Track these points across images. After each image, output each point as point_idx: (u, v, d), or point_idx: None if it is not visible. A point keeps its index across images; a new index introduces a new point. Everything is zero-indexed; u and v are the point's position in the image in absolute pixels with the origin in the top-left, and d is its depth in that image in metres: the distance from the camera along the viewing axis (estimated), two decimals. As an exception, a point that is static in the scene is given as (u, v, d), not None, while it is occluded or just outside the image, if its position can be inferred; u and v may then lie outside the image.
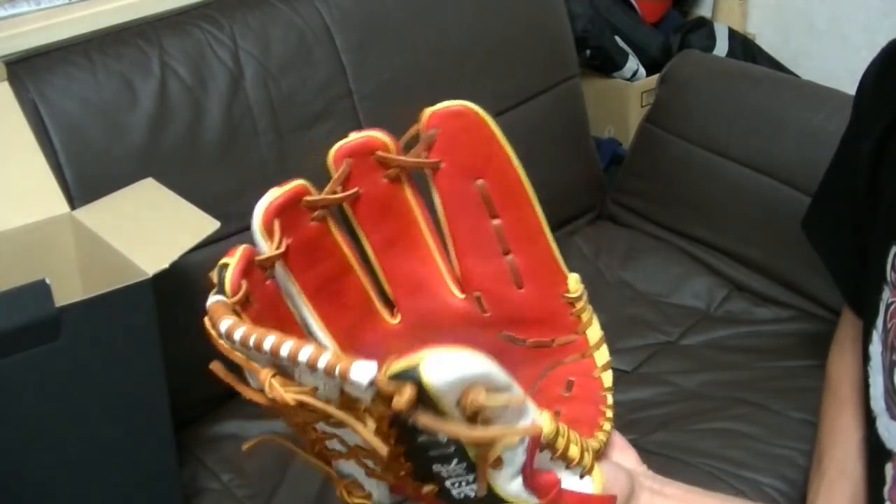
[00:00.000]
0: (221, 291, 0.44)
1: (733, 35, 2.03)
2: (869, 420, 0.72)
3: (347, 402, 0.40)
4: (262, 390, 0.41)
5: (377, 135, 0.50)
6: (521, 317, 0.55)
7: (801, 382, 1.06)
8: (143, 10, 1.09)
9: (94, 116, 1.01)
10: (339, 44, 1.15)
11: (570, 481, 0.48)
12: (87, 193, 0.96)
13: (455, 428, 0.39)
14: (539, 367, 0.57)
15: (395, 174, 0.51)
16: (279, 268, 0.49)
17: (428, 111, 0.50)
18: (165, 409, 0.87)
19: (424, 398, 0.37)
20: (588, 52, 1.89)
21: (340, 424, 0.42)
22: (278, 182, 0.51)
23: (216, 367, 0.43)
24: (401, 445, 0.41)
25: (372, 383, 0.37)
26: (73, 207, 0.92)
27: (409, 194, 0.53)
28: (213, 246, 0.91)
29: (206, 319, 0.42)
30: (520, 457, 0.44)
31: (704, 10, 2.24)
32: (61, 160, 0.99)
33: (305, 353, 0.38)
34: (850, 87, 1.27)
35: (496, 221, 0.52)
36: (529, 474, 0.45)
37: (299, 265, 0.50)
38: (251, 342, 0.39)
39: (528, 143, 1.38)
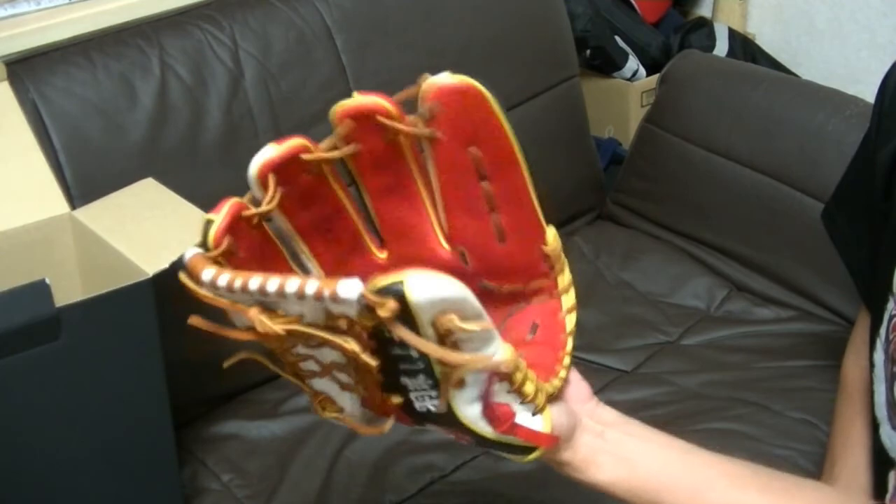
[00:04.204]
0: (204, 245, 0.47)
1: (733, 35, 2.04)
2: (874, 426, 0.72)
3: (330, 324, 0.44)
4: (249, 328, 0.44)
5: (379, 101, 0.51)
6: (500, 267, 0.58)
7: (801, 382, 1.06)
8: (143, 10, 1.08)
9: (94, 116, 1.01)
10: (339, 44, 1.15)
11: (523, 417, 0.52)
12: (87, 193, 0.96)
13: (427, 345, 0.43)
14: (508, 306, 0.60)
15: (394, 135, 0.53)
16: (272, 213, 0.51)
17: (430, 84, 0.51)
18: (165, 409, 0.87)
19: (404, 313, 0.41)
20: (588, 52, 1.89)
21: (320, 345, 0.46)
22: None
23: (196, 320, 0.45)
24: (376, 358, 0.46)
25: (359, 298, 0.41)
26: (73, 207, 0.92)
27: (406, 152, 0.54)
28: (213, 246, 0.91)
29: (183, 274, 0.45)
30: (481, 383, 0.48)
31: (704, 10, 2.24)
32: (61, 160, 0.99)
33: (293, 284, 0.41)
34: (850, 87, 1.27)
35: (485, 183, 0.54)
36: (487, 403, 0.49)
37: (293, 208, 0.53)
38: (237, 286, 0.42)
39: (527, 143, 1.38)
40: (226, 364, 0.47)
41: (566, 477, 0.57)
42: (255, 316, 0.43)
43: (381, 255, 0.58)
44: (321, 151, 0.52)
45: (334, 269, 0.56)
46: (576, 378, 0.59)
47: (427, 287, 0.41)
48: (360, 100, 0.51)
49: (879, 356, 0.70)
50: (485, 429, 0.50)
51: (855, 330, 0.85)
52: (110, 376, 0.83)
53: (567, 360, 0.57)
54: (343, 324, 0.43)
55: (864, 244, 0.79)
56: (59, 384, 0.80)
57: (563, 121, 1.40)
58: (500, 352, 0.47)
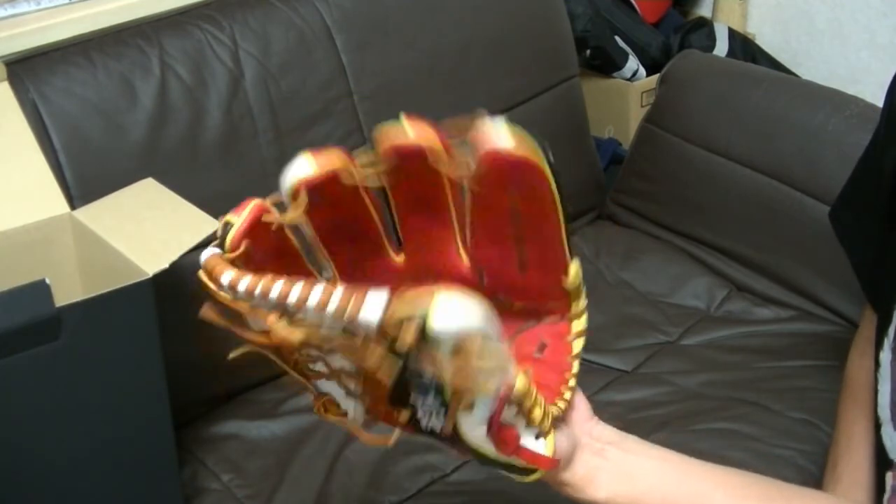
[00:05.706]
0: (221, 247, 0.46)
1: (733, 35, 2.04)
2: (875, 426, 0.72)
3: (347, 338, 0.43)
4: (264, 331, 0.44)
5: (430, 140, 0.49)
6: (516, 290, 0.57)
7: (801, 382, 1.06)
8: (143, 10, 1.08)
9: (94, 116, 1.01)
10: (339, 44, 1.15)
11: (527, 440, 0.52)
12: (87, 193, 0.96)
13: (443, 373, 0.42)
14: (519, 322, 0.59)
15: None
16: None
17: (489, 149, 0.48)
18: (165, 409, 0.87)
19: (423, 339, 0.40)
20: (588, 52, 1.89)
21: (332, 351, 0.45)
22: (276, 183, 0.51)
23: (209, 313, 0.45)
24: (389, 374, 0.45)
25: (379, 322, 0.40)
26: (73, 207, 0.92)
27: (444, 176, 0.53)
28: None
29: (202, 273, 0.44)
30: (490, 406, 0.47)
31: (704, 10, 2.24)
32: (61, 160, 0.99)
33: (314, 296, 0.40)
34: (850, 87, 1.27)
35: (516, 219, 0.53)
36: (494, 425, 0.48)
37: (317, 212, 0.52)
38: (258, 291, 0.41)
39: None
40: (231, 356, 0.46)
41: (565, 496, 0.57)
42: (274, 323, 0.42)
43: (398, 259, 0.57)
44: (359, 171, 0.50)
45: (350, 271, 0.56)
46: (579, 399, 0.59)
47: (452, 317, 0.40)
48: (409, 136, 0.49)
49: (886, 356, 0.70)
50: (489, 450, 0.50)
51: (860, 330, 0.85)
52: (110, 376, 0.83)
53: (572, 382, 0.57)
54: (359, 340, 0.42)
55: (871, 244, 0.79)
56: (59, 384, 0.80)
57: (563, 121, 1.40)
58: (514, 380, 0.46)
